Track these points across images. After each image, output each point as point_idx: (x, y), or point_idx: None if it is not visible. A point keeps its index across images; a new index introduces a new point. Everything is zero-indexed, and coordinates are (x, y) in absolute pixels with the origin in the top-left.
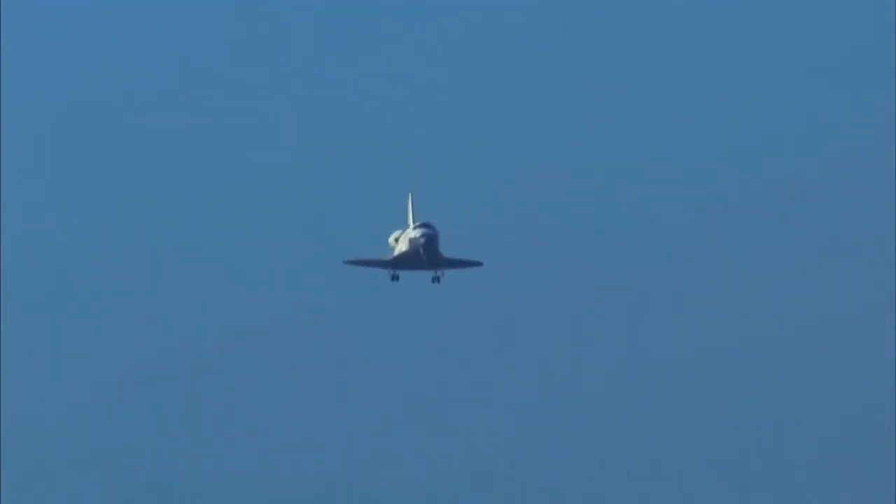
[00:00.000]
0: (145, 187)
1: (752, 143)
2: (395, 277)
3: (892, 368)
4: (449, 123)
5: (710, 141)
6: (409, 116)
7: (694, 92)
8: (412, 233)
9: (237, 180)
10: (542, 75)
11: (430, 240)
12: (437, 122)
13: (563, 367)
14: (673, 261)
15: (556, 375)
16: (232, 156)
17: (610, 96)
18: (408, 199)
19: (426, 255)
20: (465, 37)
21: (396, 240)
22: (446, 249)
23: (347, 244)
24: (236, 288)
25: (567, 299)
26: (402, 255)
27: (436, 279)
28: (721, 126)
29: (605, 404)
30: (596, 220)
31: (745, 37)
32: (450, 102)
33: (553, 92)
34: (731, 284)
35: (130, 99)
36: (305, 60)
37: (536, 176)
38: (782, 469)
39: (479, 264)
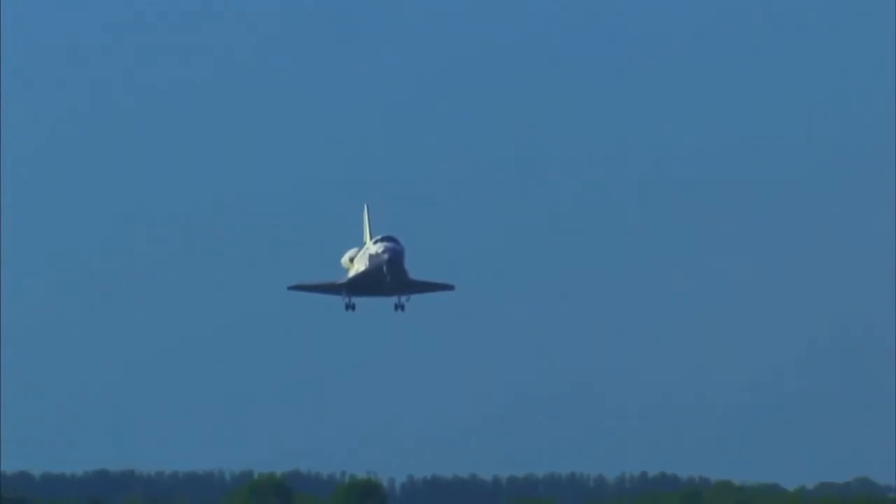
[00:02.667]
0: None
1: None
2: (350, 306)
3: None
4: (410, 129)
5: (695, 152)
6: (364, 123)
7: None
8: (373, 248)
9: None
10: (514, 82)
11: (396, 255)
12: (396, 129)
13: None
14: (658, 276)
15: (535, 409)
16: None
17: (592, 103)
18: (363, 210)
19: (390, 275)
20: (433, 39)
21: (352, 259)
22: (411, 271)
23: (292, 266)
24: (164, 321)
25: (547, 326)
26: (360, 276)
27: (399, 306)
28: (709, 137)
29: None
30: (578, 236)
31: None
32: (413, 109)
33: (526, 98)
34: (723, 302)
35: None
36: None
37: (513, 188)
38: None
39: (450, 287)
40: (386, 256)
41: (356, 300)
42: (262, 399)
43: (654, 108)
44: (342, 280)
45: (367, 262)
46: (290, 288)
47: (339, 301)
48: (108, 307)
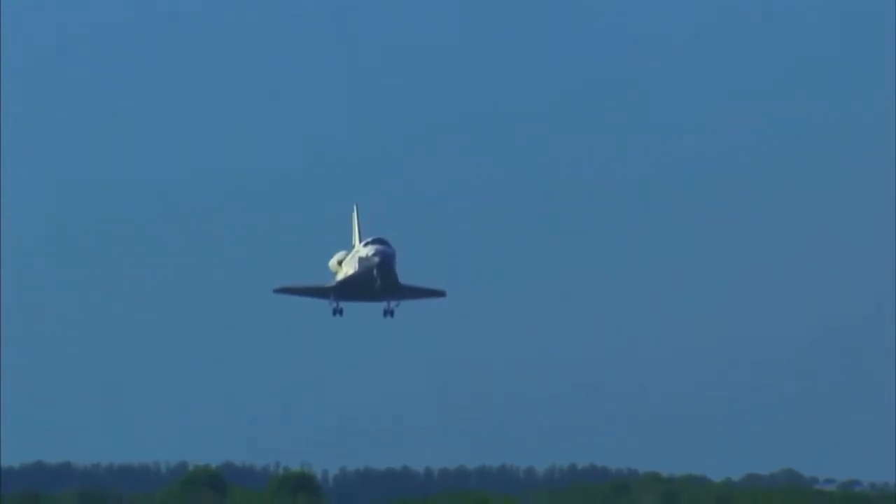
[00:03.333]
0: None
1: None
2: (338, 310)
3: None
4: (402, 130)
5: (694, 152)
6: (355, 123)
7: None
8: (363, 251)
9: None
10: (510, 82)
11: (387, 258)
12: (388, 130)
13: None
14: (658, 284)
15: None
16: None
17: (590, 103)
18: (353, 211)
19: (380, 279)
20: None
21: (340, 262)
22: (401, 276)
23: (278, 268)
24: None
25: (544, 335)
26: (349, 280)
27: (389, 312)
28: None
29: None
30: (576, 241)
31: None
32: (405, 109)
33: (523, 99)
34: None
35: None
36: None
37: (508, 192)
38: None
39: (441, 294)
40: (377, 259)
41: (344, 304)
42: (200, 393)
43: (652, 108)
44: (329, 283)
45: (357, 265)
46: (275, 291)
47: (311, 303)
48: (64, 303)
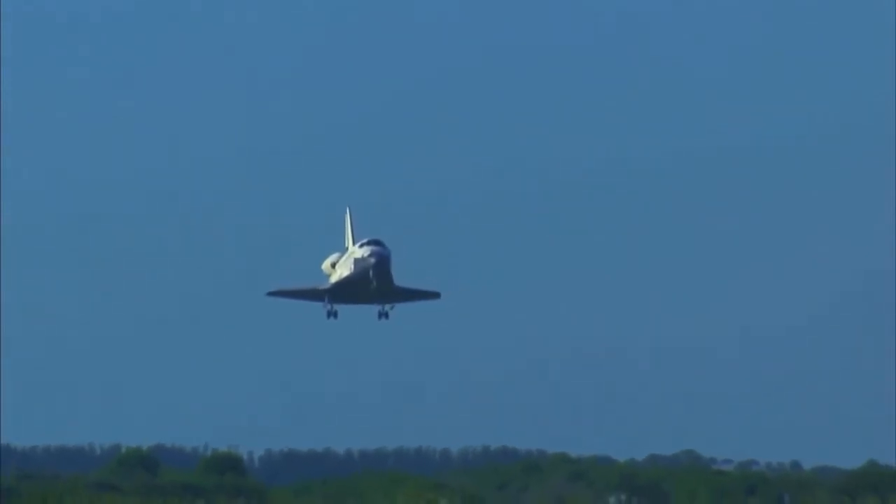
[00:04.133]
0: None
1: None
2: (332, 313)
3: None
4: (395, 131)
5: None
6: (347, 124)
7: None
8: (358, 252)
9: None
10: (504, 83)
11: (383, 259)
12: (380, 130)
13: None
14: (654, 283)
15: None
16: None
17: (586, 104)
18: (346, 214)
19: (377, 280)
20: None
21: (334, 265)
22: (395, 278)
23: (272, 271)
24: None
25: (542, 336)
26: (344, 282)
27: (383, 314)
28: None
29: None
30: (570, 241)
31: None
32: (398, 110)
33: (517, 100)
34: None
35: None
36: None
37: (501, 190)
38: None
39: (436, 295)
40: (373, 261)
41: (339, 307)
42: (135, 376)
43: (651, 106)
44: (324, 286)
45: (353, 267)
46: (269, 294)
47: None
48: (59, 301)
